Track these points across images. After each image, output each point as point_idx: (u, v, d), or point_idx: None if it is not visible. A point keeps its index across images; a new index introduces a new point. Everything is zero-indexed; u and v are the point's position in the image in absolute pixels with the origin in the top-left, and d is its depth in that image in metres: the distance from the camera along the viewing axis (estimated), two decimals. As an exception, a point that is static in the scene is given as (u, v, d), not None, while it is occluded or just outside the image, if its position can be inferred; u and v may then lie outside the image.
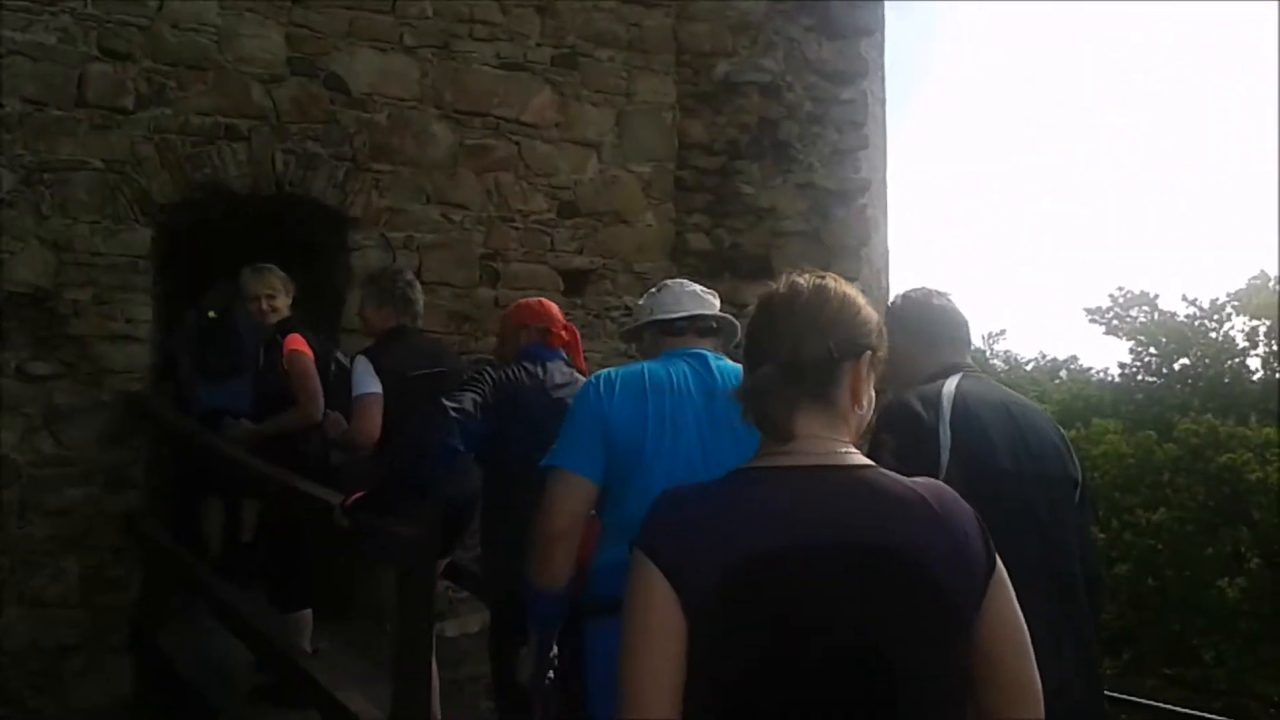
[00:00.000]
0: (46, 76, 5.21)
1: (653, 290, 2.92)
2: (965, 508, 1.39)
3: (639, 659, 1.29)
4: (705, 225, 6.43)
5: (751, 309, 1.53)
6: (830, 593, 1.29)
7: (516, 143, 6.16)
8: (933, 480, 1.43)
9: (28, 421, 5.18)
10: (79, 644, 5.23)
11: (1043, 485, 2.33)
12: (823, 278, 1.50)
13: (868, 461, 1.42)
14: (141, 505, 5.34)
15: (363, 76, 5.84)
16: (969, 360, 2.62)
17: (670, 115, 6.49)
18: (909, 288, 2.81)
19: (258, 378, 4.88)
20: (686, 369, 2.59)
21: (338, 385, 4.41)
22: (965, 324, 2.65)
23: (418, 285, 4.45)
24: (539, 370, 3.36)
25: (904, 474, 1.43)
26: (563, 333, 3.53)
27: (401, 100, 5.92)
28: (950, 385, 2.41)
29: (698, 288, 2.87)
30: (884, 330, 1.51)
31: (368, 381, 3.90)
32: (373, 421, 3.84)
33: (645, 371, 2.57)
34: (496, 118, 6.11)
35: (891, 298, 2.72)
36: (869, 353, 1.46)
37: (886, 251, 8.64)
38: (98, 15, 5.31)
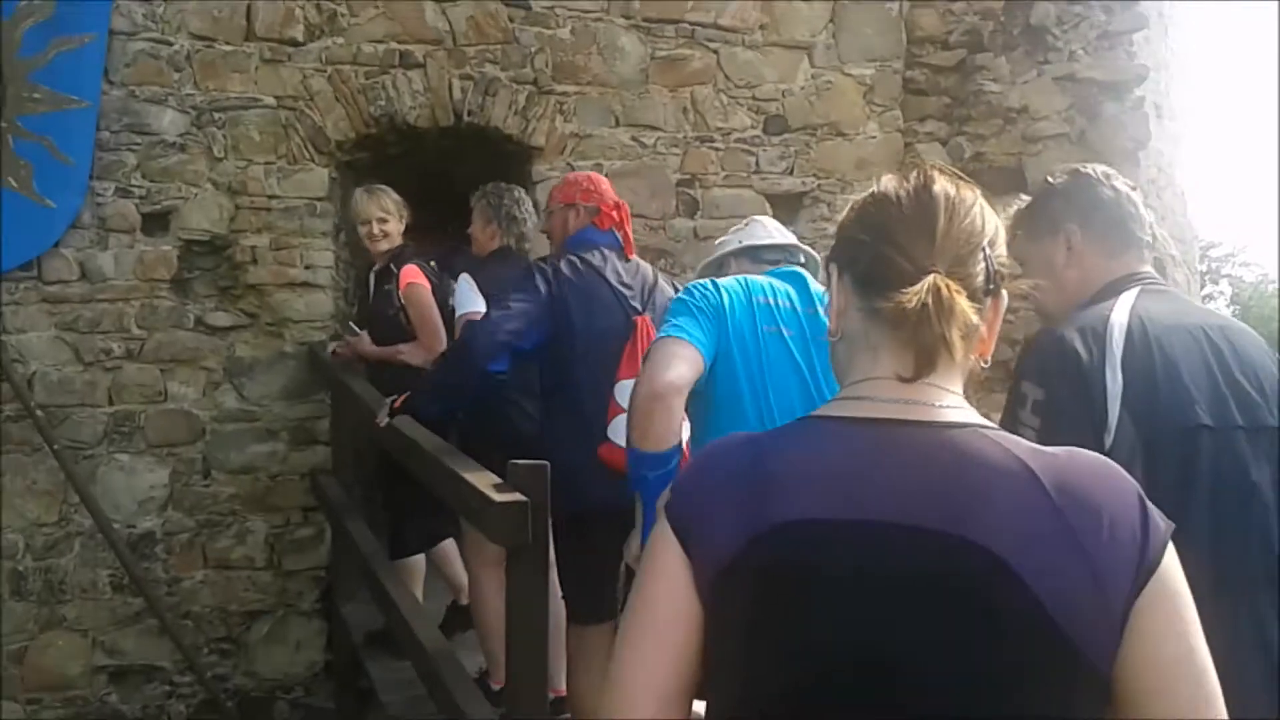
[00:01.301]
0: (213, 9, 4.92)
1: (738, 225, 2.92)
2: (1118, 487, 1.00)
3: (632, 645, 1.06)
4: (941, 134, 5.45)
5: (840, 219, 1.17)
6: (875, 595, 0.97)
7: (714, 51, 5.40)
8: (1077, 451, 1.04)
9: (209, 375, 4.97)
10: (267, 609, 5.01)
11: (1262, 443, 1.70)
12: (929, 175, 1.10)
13: (972, 418, 1.05)
14: (328, 462, 5.04)
15: (543, -13, 5.25)
16: (1149, 268, 1.94)
17: (896, 6, 5.52)
18: (1072, 163, 2.11)
19: (367, 307, 4.50)
20: (789, 287, 2.58)
21: None
22: (1148, 220, 1.98)
23: (527, 204, 4.08)
24: (595, 259, 3.15)
25: (1052, 442, 1.07)
26: (614, 212, 3.25)
27: (585, 12, 5.29)
28: (1123, 308, 1.77)
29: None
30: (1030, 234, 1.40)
31: (472, 299, 3.67)
32: None
33: (747, 282, 2.52)
34: (691, 24, 5.38)
35: (1054, 175, 2.03)
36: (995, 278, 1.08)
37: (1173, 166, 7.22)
38: (263, -60, 4.97)
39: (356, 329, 4.40)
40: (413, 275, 4.21)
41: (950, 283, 1.02)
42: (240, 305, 5.02)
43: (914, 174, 1.11)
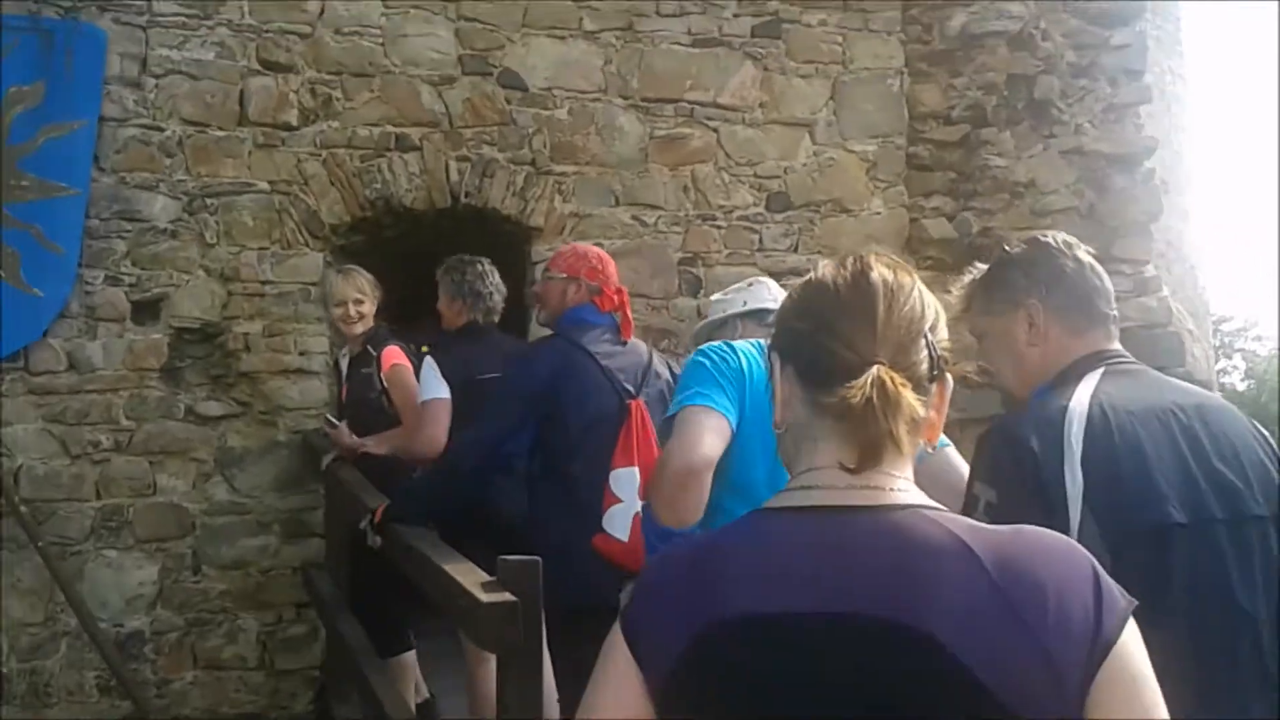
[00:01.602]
0: (205, 95, 4.87)
1: (740, 285, 2.83)
2: (1067, 561, 0.98)
3: None
4: (947, 209, 5.36)
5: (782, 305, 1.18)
6: (817, 689, 0.94)
7: (714, 129, 5.34)
8: (1024, 528, 1.01)
9: (199, 466, 4.82)
10: (259, 710, 4.81)
11: (1243, 534, 1.52)
12: (865, 261, 1.10)
13: (917, 499, 1.04)
14: (321, 555, 4.86)
15: (540, 70, 5.20)
16: (1117, 345, 1.76)
17: (897, 82, 5.47)
18: (1031, 232, 1.97)
19: (346, 391, 4.35)
20: None
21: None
22: (1112, 292, 1.80)
23: (492, 277, 3.95)
24: (588, 340, 3.05)
25: None
26: (615, 295, 3.16)
27: (583, 93, 5.24)
28: (1083, 394, 1.60)
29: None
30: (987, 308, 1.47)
31: (434, 385, 3.58)
32: (439, 428, 3.52)
33: (759, 346, 2.34)
34: (690, 103, 5.32)
35: (1010, 244, 1.86)
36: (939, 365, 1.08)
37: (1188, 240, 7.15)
38: (255, 25, 4.93)
39: (334, 420, 4.25)
40: (396, 356, 4.10)
41: (895, 375, 1.00)
42: (233, 394, 4.89)
43: (850, 260, 1.10)
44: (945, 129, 5.41)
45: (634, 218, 5.21)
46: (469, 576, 2.29)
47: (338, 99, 5.01)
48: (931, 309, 1.08)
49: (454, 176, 5.07)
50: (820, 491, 1.04)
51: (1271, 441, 1.65)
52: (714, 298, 2.93)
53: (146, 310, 4.82)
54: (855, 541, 0.99)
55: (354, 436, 4.12)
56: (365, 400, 4.15)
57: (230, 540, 4.83)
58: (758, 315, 2.68)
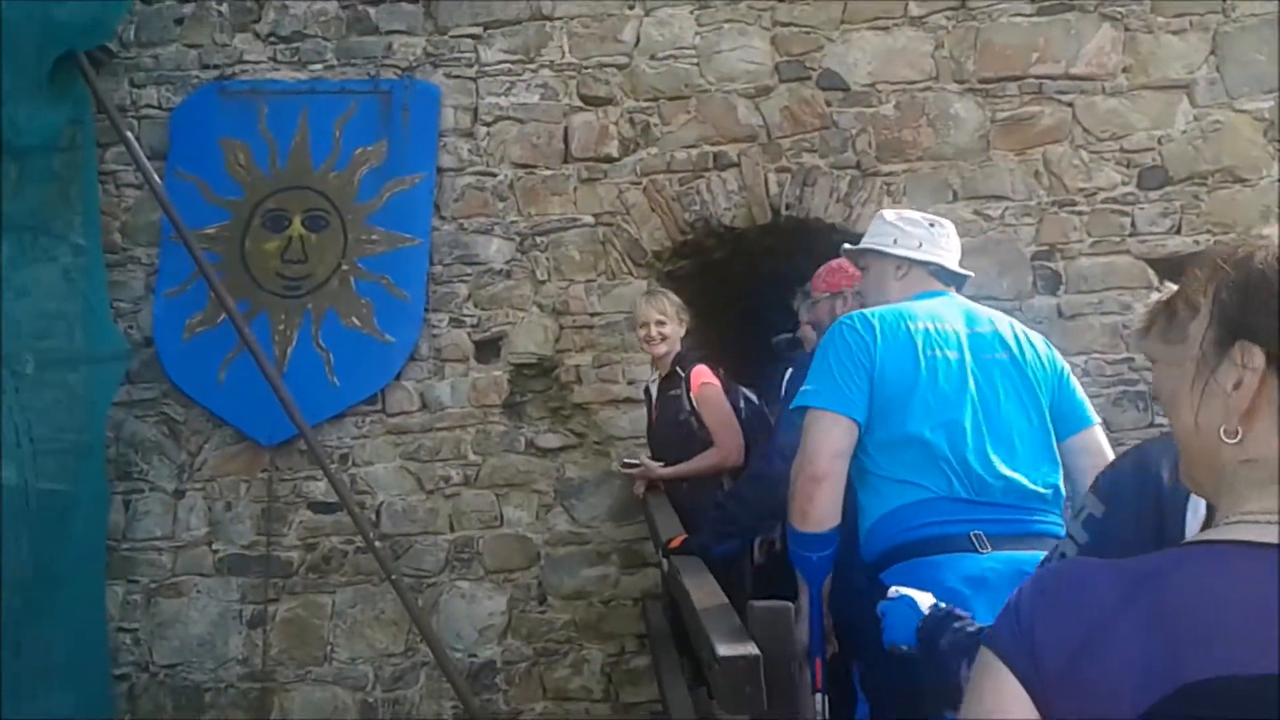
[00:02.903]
0: (532, 137, 5.00)
1: (916, 217, 2.58)
2: None
3: None
4: (1376, 168, 4.32)
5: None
6: None
7: (1068, 104, 4.69)
8: None
9: (540, 498, 4.88)
10: (605, 746, 4.73)
11: None
12: None
13: None
14: (659, 586, 4.74)
15: (862, 66, 4.85)
16: None
17: (1293, 22, 4.52)
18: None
19: (656, 415, 4.22)
20: (953, 312, 2.40)
21: (751, 425, 3.88)
22: None
23: None
24: None
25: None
26: None
27: (911, 83, 4.81)
28: None
29: None
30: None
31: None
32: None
33: (902, 310, 2.34)
34: (1038, 78, 4.73)
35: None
36: None
37: None
38: (575, 63, 5.00)
39: (631, 461, 4.25)
40: (705, 376, 3.94)
41: None
42: (569, 425, 4.93)
43: None
44: (1370, 68, 4.38)
45: (975, 212, 4.66)
46: (718, 621, 1.97)
47: (655, 125, 4.95)
48: None
49: (773, 189, 4.83)
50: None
51: None
52: (885, 215, 2.60)
53: (488, 349, 4.98)
54: None
55: (657, 466, 4.08)
56: (675, 422, 3.99)
57: (572, 571, 4.84)
58: (928, 268, 2.49)
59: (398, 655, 4.84)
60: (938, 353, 2.25)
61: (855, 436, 2.21)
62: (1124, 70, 4.68)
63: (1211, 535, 0.88)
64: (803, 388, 2.27)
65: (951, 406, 2.21)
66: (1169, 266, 4.48)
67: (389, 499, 4.91)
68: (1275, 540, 0.83)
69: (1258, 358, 0.86)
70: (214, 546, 4.94)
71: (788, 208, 4.80)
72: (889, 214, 2.62)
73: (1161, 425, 4.55)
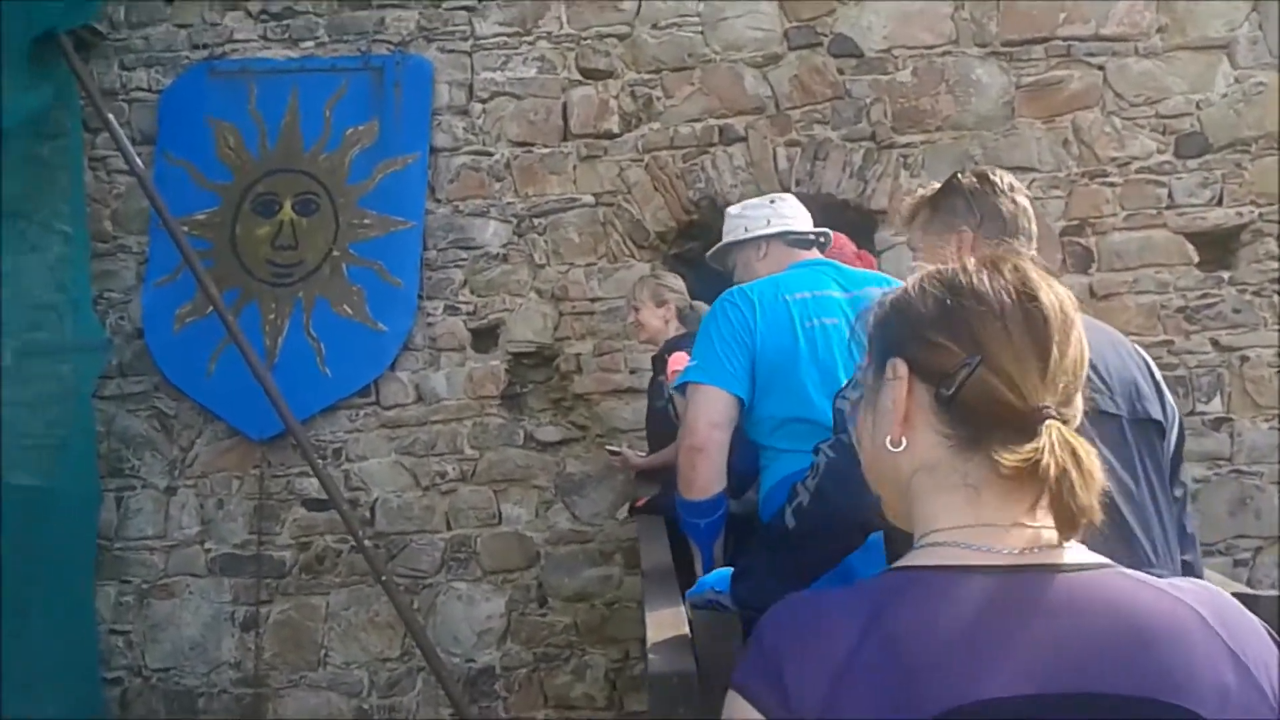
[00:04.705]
0: (529, 114, 4.75)
1: (759, 201, 2.79)
2: (1256, 624, 0.90)
3: None
4: None
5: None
6: None
7: (1099, 67, 4.39)
8: (1202, 584, 0.93)
9: (540, 494, 4.65)
10: (609, 755, 4.50)
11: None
12: (1026, 276, 0.93)
13: (1095, 556, 0.91)
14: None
15: (876, 30, 4.57)
16: None
17: (1350, -28, 4.18)
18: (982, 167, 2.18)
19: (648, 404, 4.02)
20: (827, 277, 2.48)
21: None
22: (1035, 235, 1.95)
23: None
24: None
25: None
26: (857, 261, 3.07)
27: (929, 48, 4.53)
28: None
29: None
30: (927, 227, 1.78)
31: None
32: None
33: (779, 282, 2.45)
34: (1065, 39, 4.44)
35: (964, 174, 1.97)
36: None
37: None
38: (574, 33, 4.75)
39: (614, 449, 4.07)
40: (682, 361, 3.65)
41: (1080, 442, 0.87)
42: (570, 418, 4.69)
43: (1008, 270, 0.93)
44: None
45: (999, 185, 4.37)
46: (662, 627, 1.75)
47: (658, 98, 4.70)
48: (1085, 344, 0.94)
49: (782, 164, 4.56)
50: (987, 553, 0.89)
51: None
52: (730, 212, 2.81)
53: (485, 337, 4.75)
54: (1072, 607, 0.85)
55: (634, 455, 3.93)
56: (654, 409, 3.76)
57: (573, 571, 4.60)
58: (785, 238, 2.65)
59: (393, 660, 4.63)
60: (815, 322, 2.35)
61: (735, 409, 2.35)
62: (1159, 30, 4.39)
63: (920, 560, 0.91)
64: (688, 364, 2.41)
65: (832, 376, 2.29)
66: (1210, 240, 4.16)
67: (384, 495, 4.69)
68: (975, 562, 0.88)
69: (901, 368, 0.94)
70: (206, 545, 4.76)
71: (798, 184, 4.51)
72: (733, 209, 2.80)
73: (1204, 414, 4.23)
